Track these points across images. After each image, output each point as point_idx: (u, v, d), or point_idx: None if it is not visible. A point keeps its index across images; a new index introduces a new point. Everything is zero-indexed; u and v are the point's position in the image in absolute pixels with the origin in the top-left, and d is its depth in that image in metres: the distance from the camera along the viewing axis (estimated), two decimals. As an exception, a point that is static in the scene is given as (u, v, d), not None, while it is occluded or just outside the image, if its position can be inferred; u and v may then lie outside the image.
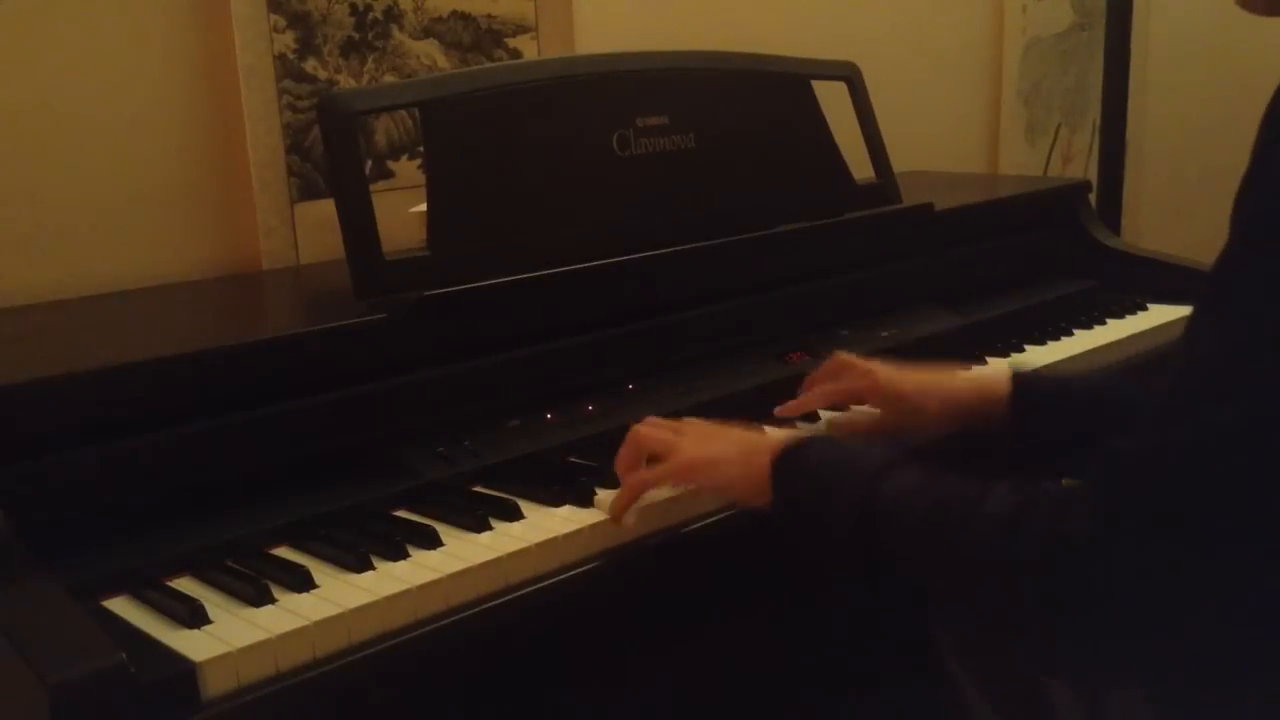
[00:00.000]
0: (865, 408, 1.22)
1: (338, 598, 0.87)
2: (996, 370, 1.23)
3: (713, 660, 1.25)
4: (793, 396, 1.26)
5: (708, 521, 1.05)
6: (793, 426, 1.20)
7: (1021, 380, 1.14)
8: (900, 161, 1.63)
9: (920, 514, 0.83)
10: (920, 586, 0.86)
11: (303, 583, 0.89)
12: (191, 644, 0.81)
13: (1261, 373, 0.68)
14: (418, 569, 0.92)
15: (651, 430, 1.06)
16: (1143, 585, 0.71)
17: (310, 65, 1.47)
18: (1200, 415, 0.69)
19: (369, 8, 1.52)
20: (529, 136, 1.25)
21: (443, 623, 0.90)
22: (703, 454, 1.02)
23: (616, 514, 1.01)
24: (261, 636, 0.82)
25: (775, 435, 1.01)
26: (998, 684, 1.07)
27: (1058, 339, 1.54)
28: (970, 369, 1.30)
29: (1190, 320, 0.73)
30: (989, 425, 1.14)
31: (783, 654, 1.31)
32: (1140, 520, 0.71)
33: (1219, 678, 0.77)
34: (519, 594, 0.94)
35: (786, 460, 0.96)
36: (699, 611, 1.16)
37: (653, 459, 1.04)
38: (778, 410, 1.21)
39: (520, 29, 1.65)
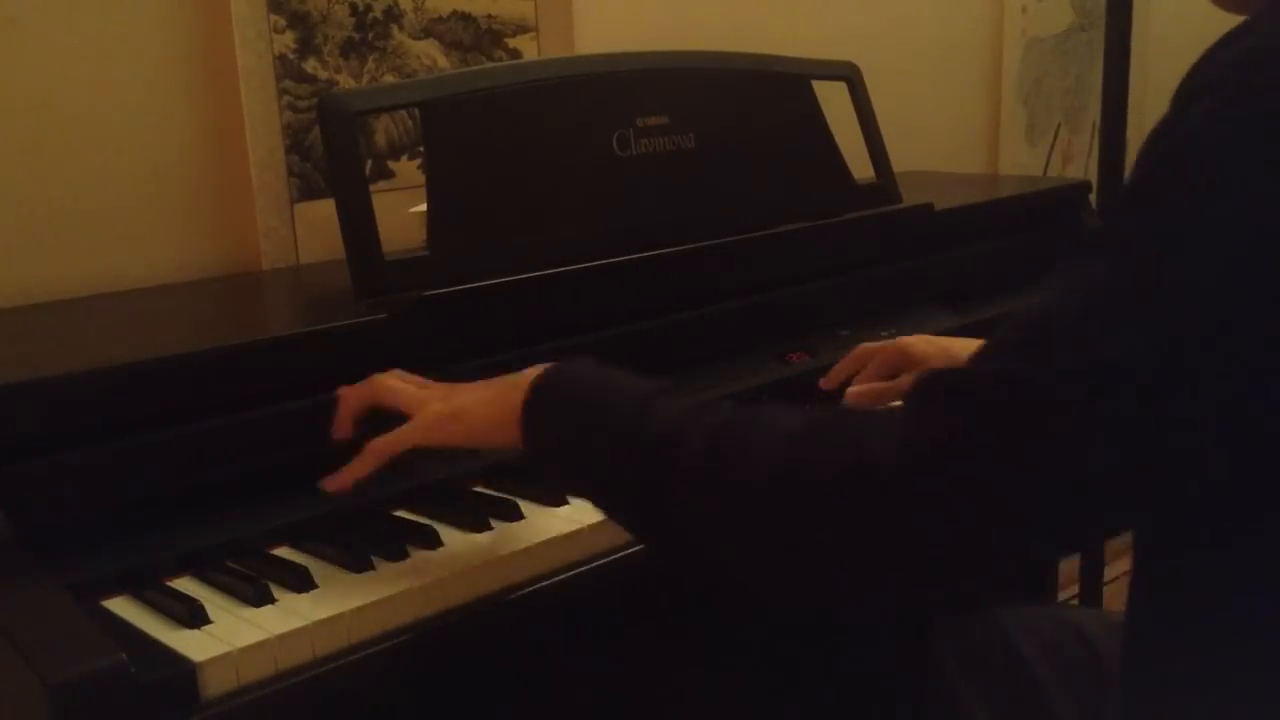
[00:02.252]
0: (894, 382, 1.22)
1: (338, 598, 0.87)
2: None
3: (711, 661, 1.25)
4: (793, 397, 1.27)
5: None
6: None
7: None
8: (900, 161, 1.63)
9: (697, 439, 0.74)
10: (692, 537, 0.77)
11: (303, 583, 0.90)
12: (191, 644, 0.81)
13: (1121, 322, 0.64)
14: (418, 569, 0.92)
15: (395, 382, 0.96)
16: (936, 510, 0.66)
17: (310, 65, 1.47)
18: (1052, 350, 0.66)
19: (369, 8, 1.52)
20: (529, 136, 1.25)
21: (443, 623, 0.90)
22: (451, 404, 0.93)
23: (339, 485, 0.94)
24: (261, 636, 0.82)
25: (533, 369, 0.89)
26: (998, 693, 1.07)
27: (1058, 339, 1.54)
28: None
29: (1073, 257, 0.70)
30: None
31: (778, 661, 1.31)
32: (949, 443, 0.67)
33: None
34: (519, 594, 0.94)
35: (542, 391, 0.86)
36: (697, 612, 1.16)
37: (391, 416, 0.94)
38: (821, 383, 1.21)
39: (520, 29, 1.65)
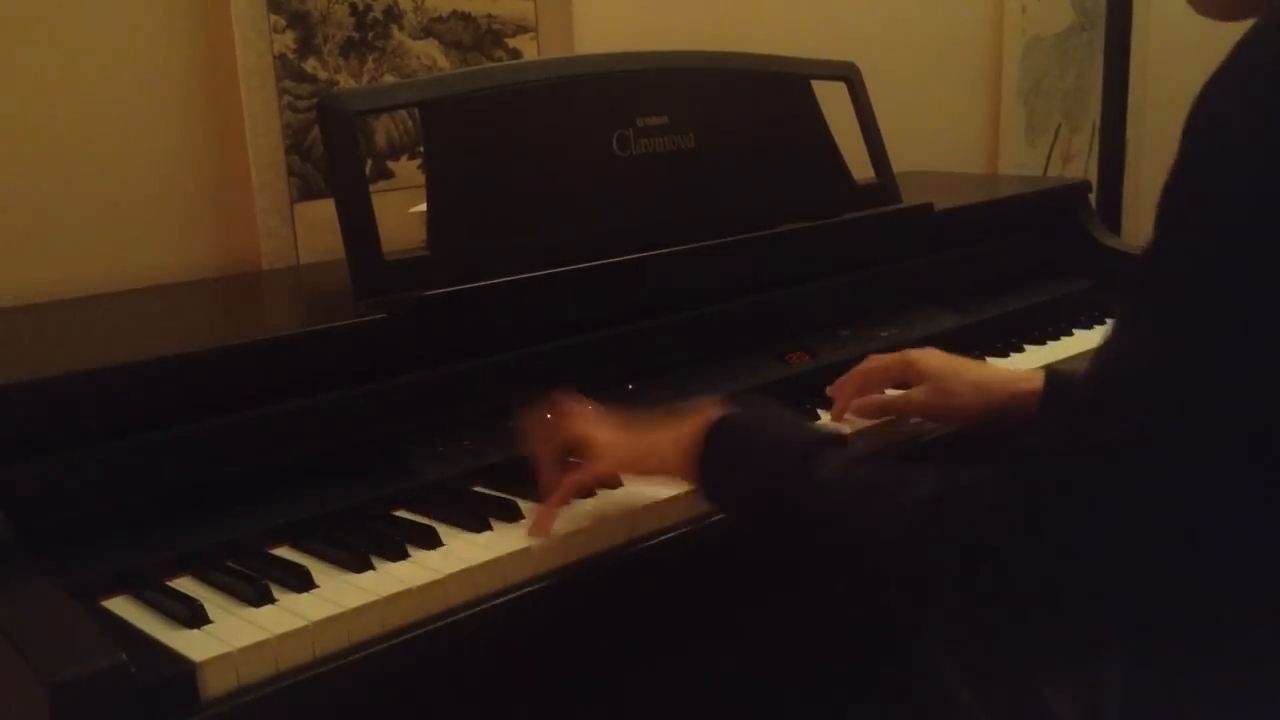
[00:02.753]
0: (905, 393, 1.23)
1: (338, 598, 0.87)
2: (1032, 367, 1.24)
3: (711, 660, 1.25)
4: (793, 397, 1.27)
5: (707, 524, 1.05)
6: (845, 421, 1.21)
7: (1055, 377, 1.14)
8: (900, 161, 1.63)
9: (847, 496, 0.83)
10: (842, 573, 0.86)
11: (303, 583, 0.90)
12: (191, 644, 0.81)
13: (1176, 379, 0.68)
14: (418, 569, 0.92)
15: (582, 425, 1.02)
16: (1053, 572, 0.71)
17: (310, 65, 1.47)
18: (1112, 418, 0.69)
19: (369, 8, 1.52)
20: (529, 136, 1.25)
21: (443, 623, 0.90)
22: (638, 448, 1.00)
23: (542, 528, 0.97)
24: (261, 636, 0.82)
25: (702, 407, 0.97)
26: (995, 694, 1.07)
27: (1057, 339, 1.54)
28: (988, 363, 1.31)
29: (1114, 321, 0.74)
30: (1018, 421, 1.14)
31: (773, 662, 1.31)
32: (1052, 524, 0.71)
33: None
34: (519, 594, 0.94)
35: (714, 434, 0.93)
36: (696, 612, 1.16)
37: (567, 452, 1.01)
38: (832, 415, 1.23)
39: (520, 29, 1.65)
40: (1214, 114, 0.67)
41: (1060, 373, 1.15)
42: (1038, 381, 1.14)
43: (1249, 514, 0.70)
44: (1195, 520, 0.70)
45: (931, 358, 1.19)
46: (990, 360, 1.42)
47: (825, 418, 1.23)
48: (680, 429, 0.96)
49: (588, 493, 1.04)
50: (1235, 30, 0.69)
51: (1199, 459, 0.68)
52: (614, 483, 1.05)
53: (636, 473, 1.02)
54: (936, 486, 0.78)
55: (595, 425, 1.03)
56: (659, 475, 1.00)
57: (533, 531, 0.97)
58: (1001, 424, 1.16)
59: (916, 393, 1.20)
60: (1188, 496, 0.69)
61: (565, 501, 1.00)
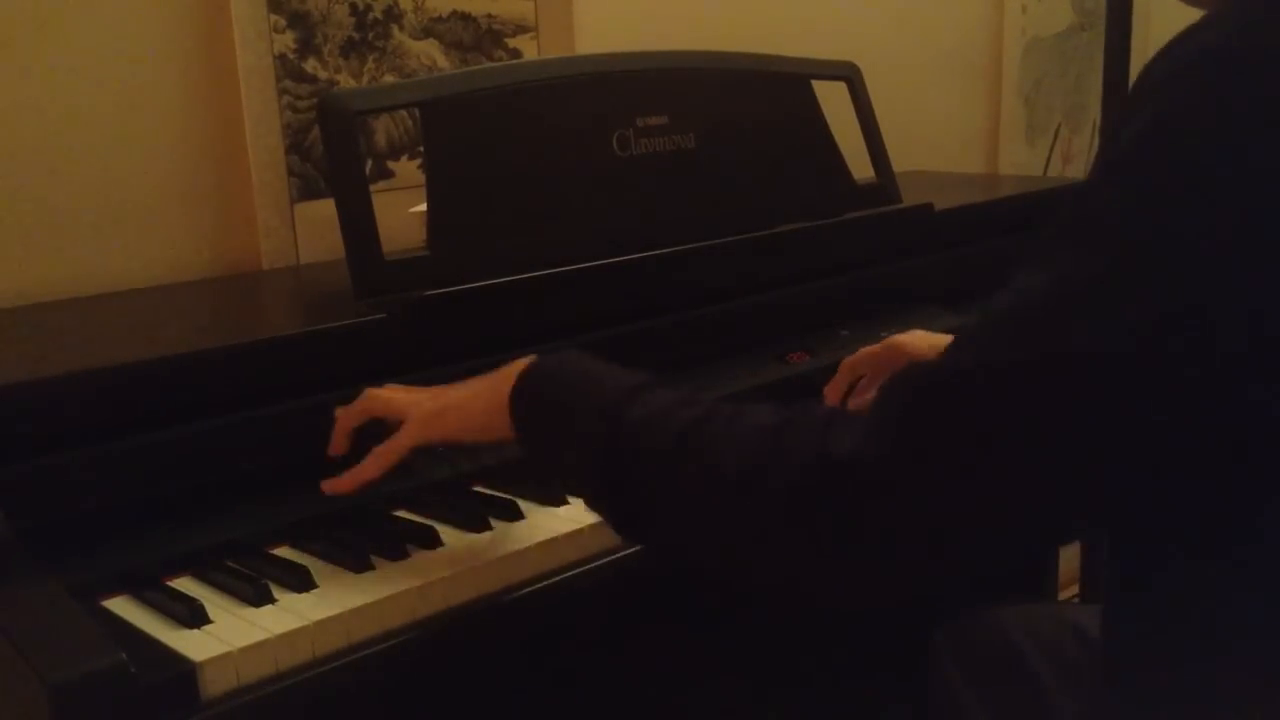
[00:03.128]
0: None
1: (338, 598, 0.87)
2: None
3: (710, 661, 1.25)
4: (793, 397, 1.27)
5: None
6: None
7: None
8: (900, 161, 1.63)
9: (671, 432, 0.75)
10: (666, 531, 0.78)
11: (303, 583, 0.90)
12: (191, 644, 0.81)
13: (1087, 308, 0.64)
14: (418, 569, 0.92)
15: (385, 391, 0.97)
16: (907, 506, 0.67)
17: (310, 65, 1.47)
18: (1010, 342, 0.66)
19: (369, 8, 1.52)
20: (529, 136, 1.25)
21: (443, 623, 0.90)
22: (442, 400, 0.94)
23: (347, 486, 0.94)
24: (261, 636, 0.82)
25: (522, 360, 0.91)
26: (997, 692, 1.07)
27: (1058, 339, 1.54)
28: None
29: (1032, 250, 0.70)
30: None
31: (777, 660, 1.31)
32: (918, 436, 0.67)
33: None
34: (519, 594, 0.94)
35: (528, 381, 0.87)
36: (696, 612, 1.16)
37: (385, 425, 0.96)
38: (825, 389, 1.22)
39: (520, 29, 1.65)
40: (1171, 70, 0.66)
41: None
42: None
43: (1162, 465, 0.66)
44: (1100, 463, 0.65)
45: (917, 341, 1.19)
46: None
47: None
48: (491, 379, 0.92)
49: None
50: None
51: (1107, 393, 0.63)
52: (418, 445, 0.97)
53: (447, 433, 0.95)
54: (781, 413, 0.73)
55: (397, 390, 0.98)
56: (470, 433, 0.94)
57: (326, 487, 0.95)
58: None
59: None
60: (1087, 435, 0.64)
61: (368, 476, 0.95)
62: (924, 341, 1.19)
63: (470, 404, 0.93)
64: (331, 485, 0.97)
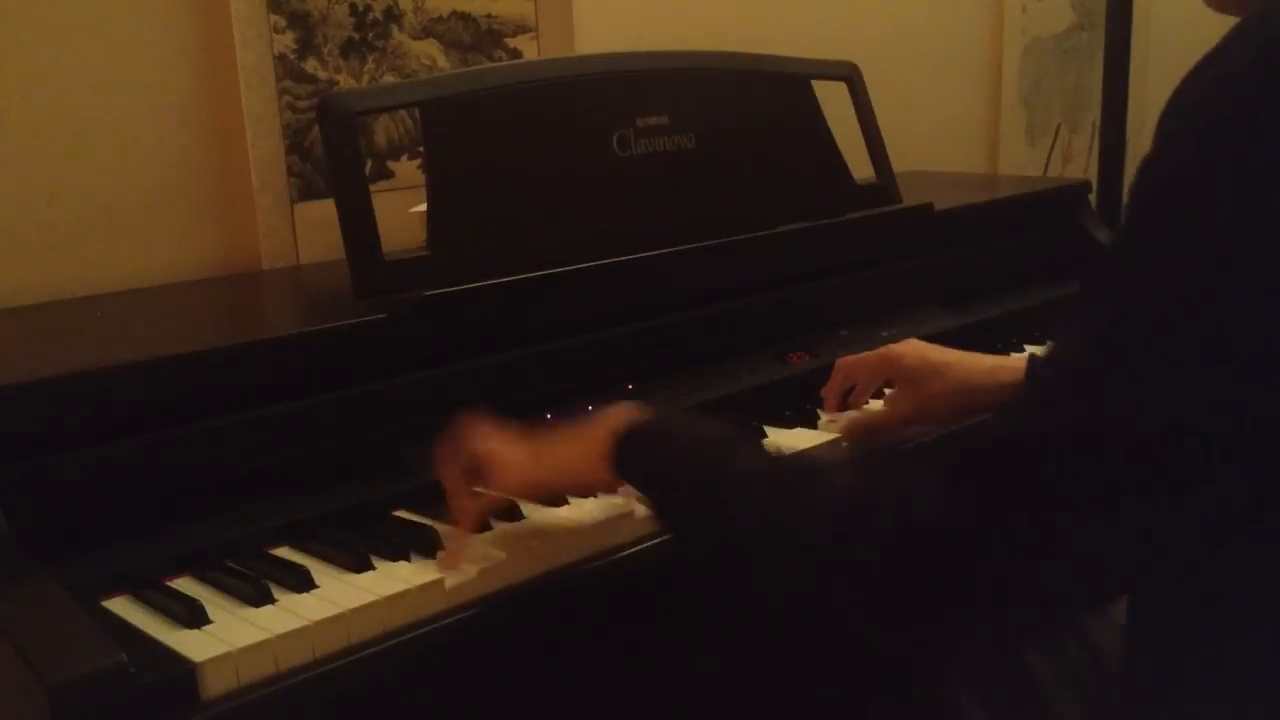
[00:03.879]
0: (886, 397, 1.23)
1: (338, 598, 0.87)
2: (1015, 356, 1.23)
3: (707, 661, 1.25)
4: (793, 396, 1.27)
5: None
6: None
7: (1036, 365, 1.13)
8: (900, 161, 1.63)
9: (767, 489, 0.80)
10: (767, 574, 0.83)
11: (303, 583, 0.90)
12: (191, 644, 0.81)
13: (1132, 365, 0.66)
14: (418, 569, 0.92)
15: (482, 445, 0.98)
16: (989, 574, 0.70)
17: (310, 65, 1.47)
18: (1071, 404, 0.68)
19: (369, 8, 1.52)
20: (529, 136, 1.25)
21: (443, 623, 0.90)
22: (533, 456, 0.97)
23: (452, 562, 0.93)
24: (261, 636, 0.82)
25: (611, 412, 0.94)
26: (999, 694, 1.07)
27: (1058, 339, 1.54)
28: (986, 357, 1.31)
29: (1076, 303, 0.72)
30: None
31: (774, 661, 1.31)
32: (997, 505, 0.69)
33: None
34: (518, 594, 0.94)
35: (629, 438, 0.91)
36: (694, 612, 1.16)
37: (472, 471, 0.98)
38: (825, 409, 1.23)
39: (520, 29, 1.65)
40: (1187, 109, 0.66)
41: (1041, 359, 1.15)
42: (1020, 373, 1.13)
43: (1218, 509, 0.68)
44: (1162, 517, 0.68)
45: (911, 354, 1.19)
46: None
47: (824, 419, 1.23)
48: (587, 436, 0.94)
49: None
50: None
51: (1159, 453, 0.65)
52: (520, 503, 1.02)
53: (538, 491, 1.00)
54: (863, 475, 0.76)
55: (496, 443, 0.98)
56: (568, 488, 1.00)
57: (444, 565, 0.93)
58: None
59: (900, 403, 1.19)
60: (1147, 490, 0.66)
61: (472, 529, 0.97)
62: (917, 357, 1.19)
63: (557, 463, 0.96)
64: (446, 563, 0.94)
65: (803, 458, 0.85)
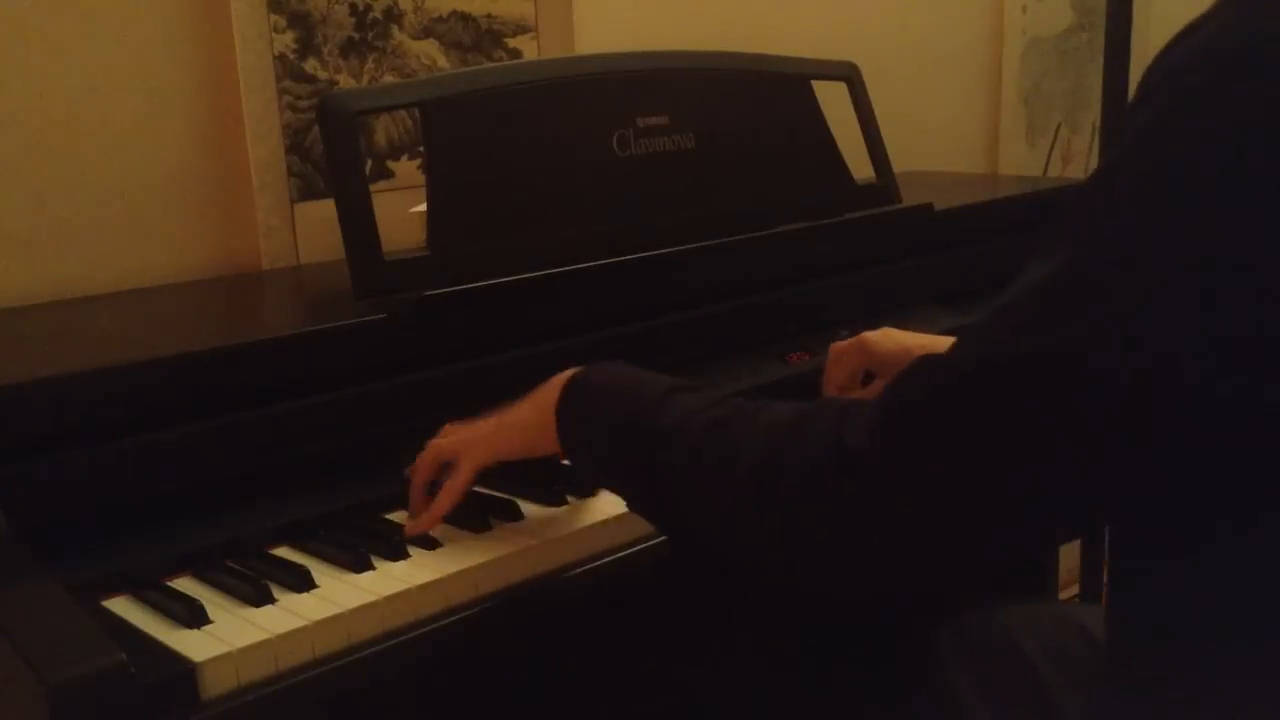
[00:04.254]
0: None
1: (338, 598, 0.87)
2: None
3: (708, 661, 1.25)
4: (793, 397, 1.26)
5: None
6: None
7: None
8: (900, 161, 1.63)
9: (698, 430, 0.80)
10: (697, 524, 0.82)
11: (303, 583, 0.90)
12: (191, 644, 0.81)
13: (1079, 305, 0.64)
14: (418, 569, 0.92)
15: (441, 438, 1.01)
16: (910, 498, 0.68)
17: (310, 65, 1.47)
18: (1007, 337, 0.67)
19: (369, 8, 1.52)
20: (529, 136, 1.25)
21: (443, 623, 0.90)
22: (494, 422, 0.98)
23: (422, 529, 0.96)
24: (261, 636, 0.82)
25: (567, 372, 0.95)
26: (1000, 691, 1.07)
27: (1058, 339, 1.54)
28: None
29: (1043, 240, 0.71)
30: None
31: (778, 658, 1.31)
32: (920, 429, 0.68)
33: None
34: (519, 594, 0.94)
35: (568, 395, 0.92)
36: (694, 612, 1.16)
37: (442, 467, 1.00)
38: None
39: (520, 29, 1.65)
40: (1172, 67, 0.66)
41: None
42: None
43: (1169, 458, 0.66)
44: (1112, 458, 0.66)
45: (886, 341, 1.19)
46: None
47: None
48: (534, 397, 0.96)
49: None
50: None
51: (1094, 390, 0.64)
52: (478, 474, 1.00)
53: (497, 453, 0.98)
54: (801, 408, 0.75)
55: (450, 430, 1.01)
56: (518, 450, 0.98)
57: (410, 530, 0.96)
58: None
59: (879, 387, 1.19)
60: (1079, 432, 0.65)
61: (441, 512, 0.97)
62: (891, 341, 1.19)
63: (515, 422, 0.97)
64: (412, 528, 0.97)
65: (736, 401, 0.81)
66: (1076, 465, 0.66)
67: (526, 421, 0.96)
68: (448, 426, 1.03)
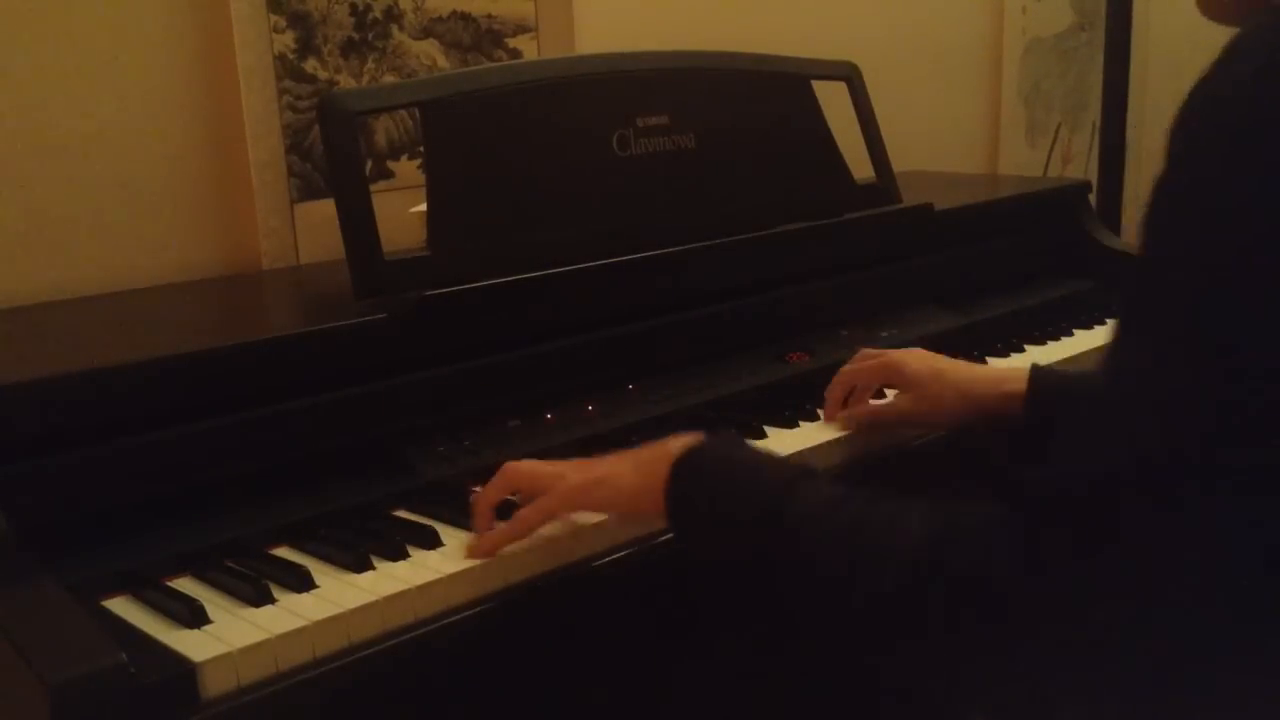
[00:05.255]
0: (888, 399, 1.24)
1: (338, 598, 0.87)
2: (1017, 367, 1.23)
3: (707, 662, 1.25)
4: (793, 397, 1.27)
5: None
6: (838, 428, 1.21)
7: (1039, 374, 1.14)
8: (900, 161, 1.63)
9: (836, 528, 0.79)
10: (820, 612, 0.81)
11: (303, 583, 0.90)
12: (191, 644, 0.81)
13: (1167, 399, 0.66)
14: (418, 569, 0.92)
15: (527, 465, 0.98)
16: (1064, 615, 0.69)
17: (310, 65, 1.47)
18: (1131, 438, 0.67)
19: (369, 8, 1.52)
20: (529, 137, 1.25)
21: (442, 623, 0.90)
22: (591, 474, 0.95)
23: (484, 551, 0.93)
24: (261, 636, 0.82)
25: (676, 441, 0.92)
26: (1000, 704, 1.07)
27: (1058, 339, 1.54)
28: (987, 364, 1.30)
29: (1111, 339, 0.71)
30: (1004, 420, 1.13)
31: (775, 662, 1.31)
32: (1060, 552, 0.68)
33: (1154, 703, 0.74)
34: (519, 594, 0.94)
35: (684, 469, 0.89)
36: (693, 614, 1.16)
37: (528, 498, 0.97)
38: (824, 416, 1.22)
39: (520, 29, 1.65)
40: (1199, 118, 0.66)
41: (1044, 373, 1.15)
42: (1023, 381, 1.13)
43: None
44: (1212, 551, 0.67)
45: (914, 360, 1.19)
46: (990, 361, 1.42)
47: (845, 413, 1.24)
48: (642, 457, 0.93)
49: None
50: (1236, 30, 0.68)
51: (1204, 487, 0.65)
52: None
53: (593, 506, 0.97)
54: (930, 528, 0.74)
55: (538, 464, 0.99)
56: (617, 509, 0.97)
57: (472, 553, 0.94)
58: (987, 425, 1.15)
59: (901, 400, 1.20)
60: (1196, 525, 0.66)
61: (513, 535, 0.95)
62: (920, 362, 1.18)
63: (622, 480, 0.93)
64: (474, 550, 0.95)
65: (866, 496, 0.80)
66: (1235, 539, 0.67)
67: (631, 487, 0.92)
68: (529, 460, 1.00)
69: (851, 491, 0.81)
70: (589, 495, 0.96)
